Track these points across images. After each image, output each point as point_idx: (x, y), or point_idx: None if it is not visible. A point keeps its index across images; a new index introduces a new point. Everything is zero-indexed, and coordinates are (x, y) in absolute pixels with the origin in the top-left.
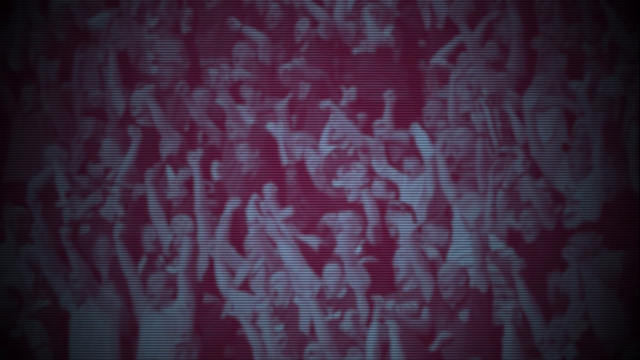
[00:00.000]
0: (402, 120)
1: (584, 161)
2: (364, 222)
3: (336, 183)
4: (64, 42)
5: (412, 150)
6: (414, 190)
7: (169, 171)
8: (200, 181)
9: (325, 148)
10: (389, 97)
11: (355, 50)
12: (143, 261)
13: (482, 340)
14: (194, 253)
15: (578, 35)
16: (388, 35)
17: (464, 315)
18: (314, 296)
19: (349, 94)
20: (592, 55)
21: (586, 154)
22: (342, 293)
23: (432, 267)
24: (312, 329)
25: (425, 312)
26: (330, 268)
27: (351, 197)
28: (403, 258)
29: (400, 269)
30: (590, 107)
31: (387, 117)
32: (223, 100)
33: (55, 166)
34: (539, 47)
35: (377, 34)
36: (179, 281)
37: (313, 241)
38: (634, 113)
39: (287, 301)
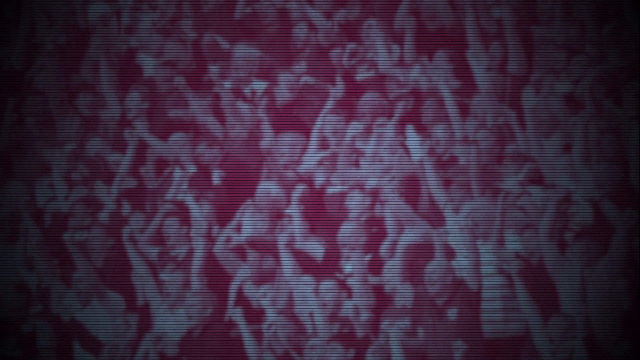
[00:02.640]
0: (399, 120)
1: (584, 161)
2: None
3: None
4: (66, 42)
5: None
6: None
7: (168, 172)
8: (204, 181)
9: (320, 151)
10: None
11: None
12: (155, 262)
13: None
14: (205, 254)
15: (578, 35)
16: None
17: (452, 314)
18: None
19: (336, 91)
20: (592, 54)
21: (586, 154)
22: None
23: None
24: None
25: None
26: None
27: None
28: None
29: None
30: (591, 107)
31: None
32: (223, 101)
33: (56, 169)
34: (538, 47)
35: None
36: (192, 281)
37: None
38: (635, 112)
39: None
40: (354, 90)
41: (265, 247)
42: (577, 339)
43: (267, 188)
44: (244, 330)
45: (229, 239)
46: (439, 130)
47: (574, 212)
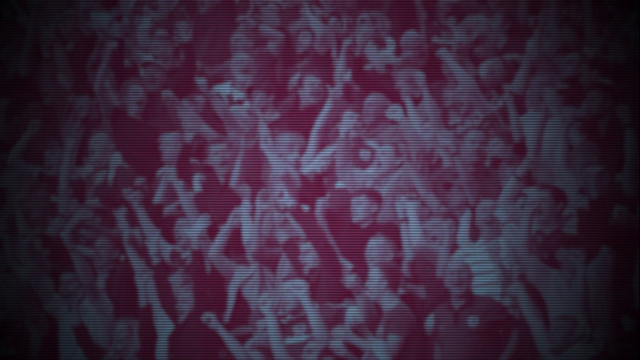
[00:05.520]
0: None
1: (582, 162)
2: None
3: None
4: (70, 45)
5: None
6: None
7: (171, 174)
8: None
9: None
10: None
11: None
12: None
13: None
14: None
15: (577, 35)
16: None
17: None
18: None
19: (335, 91)
20: (590, 56)
21: (584, 155)
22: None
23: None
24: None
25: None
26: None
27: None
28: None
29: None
30: (589, 108)
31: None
32: (218, 106)
33: (55, 169)
34: (538, 47)
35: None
36: (193, 281)
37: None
38: (632, 113)
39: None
40: (355, 90)
41: (271, 246)
42: (581, 341)
43: (268, 188)
44: (225, 335)
45: (227, 241)
46: (430, 130)
47: (572, 213)
